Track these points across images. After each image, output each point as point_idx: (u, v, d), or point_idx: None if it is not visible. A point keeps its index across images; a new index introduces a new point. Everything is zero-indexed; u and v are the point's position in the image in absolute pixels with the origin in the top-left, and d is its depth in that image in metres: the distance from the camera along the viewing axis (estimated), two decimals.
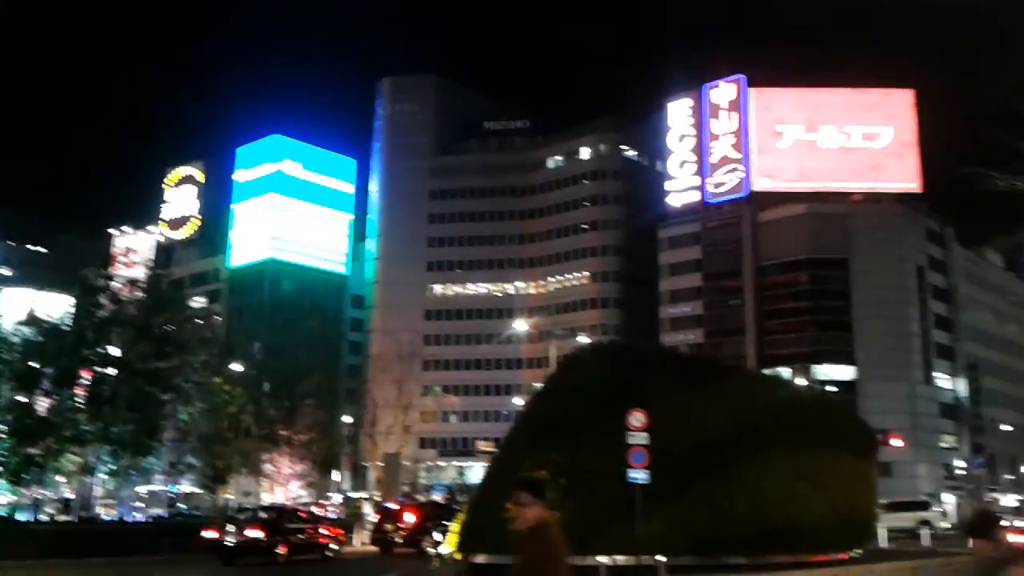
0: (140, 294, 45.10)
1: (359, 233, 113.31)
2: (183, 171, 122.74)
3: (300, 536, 27.32)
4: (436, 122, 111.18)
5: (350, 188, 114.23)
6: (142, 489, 54.73)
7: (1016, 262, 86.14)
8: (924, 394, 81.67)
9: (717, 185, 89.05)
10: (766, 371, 61.53)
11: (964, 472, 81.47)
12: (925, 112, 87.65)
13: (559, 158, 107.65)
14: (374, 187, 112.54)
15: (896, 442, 58.02)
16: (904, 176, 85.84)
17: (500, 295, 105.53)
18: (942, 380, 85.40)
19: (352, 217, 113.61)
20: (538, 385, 28.77)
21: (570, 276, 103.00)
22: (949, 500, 77.06)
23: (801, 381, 58.08)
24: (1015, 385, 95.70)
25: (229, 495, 60.59)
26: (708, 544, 20.41)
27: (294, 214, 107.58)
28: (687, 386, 22.77)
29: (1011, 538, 24.20)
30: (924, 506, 42.00)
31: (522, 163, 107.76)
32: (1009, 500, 79.45)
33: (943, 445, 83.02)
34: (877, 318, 78.72)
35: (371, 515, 42.53)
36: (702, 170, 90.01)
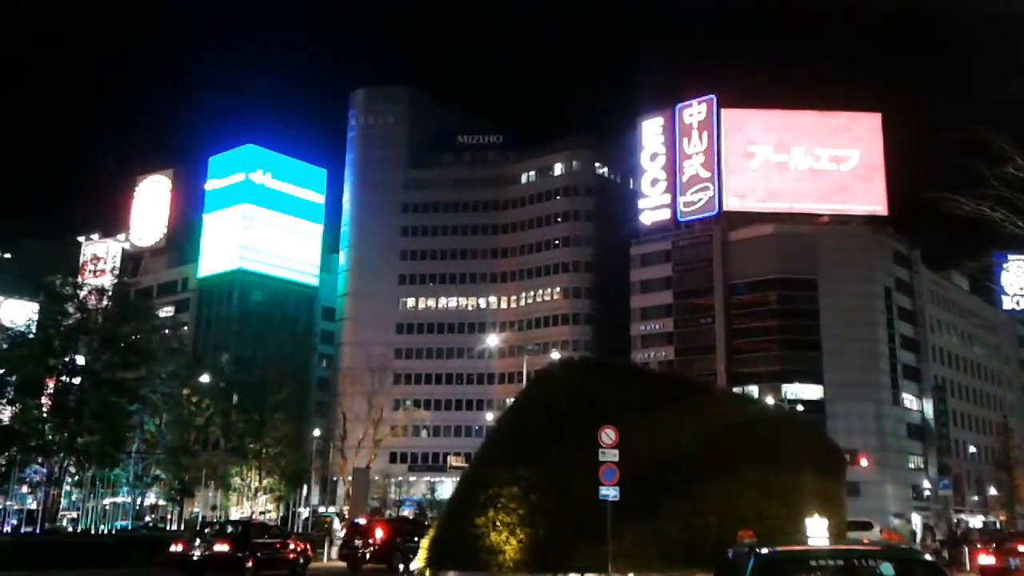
0: (107, 303, 44.51)
1: (330, 245, 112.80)
2: (153, 179, 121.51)
3: (268, 550, 27.03)
4: (409, 135, 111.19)
5: (321, 199, 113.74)
6: (107, 501, 53.94)
7: (981, 285, 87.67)
8: (891, 415, 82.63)
9: (688, 204, 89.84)
10: (735, 389, 62.00)
11: (931, 493, 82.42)
12: (892, 136, 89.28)
13: (532, 174, 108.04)
14: (346, 198, 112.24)
15: (863, 462, 58.61)
16: (871, 199, 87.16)
17: (472, 309, 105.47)
18: (909, 401, 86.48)
19: (323, 228, 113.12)
20: (510, 400, 28.77)
21: (542, 291, 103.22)
22: (916, 520, 77.95)
23: (770, 400, 58.51)
24: (981, 407, 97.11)
25: (196, 508, 59.89)
26: (678, 561, 20.53)
27: (265, 224, 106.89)
28: (657, 403, 22.89)
29: (982, 559, 24.52)
30: (867, 526, 42.68)
31: (495, 178, 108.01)
32: (976, 521, 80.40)
33: (910, 466, 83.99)
34: (845, 338, 79.62)
35: (340, 530, 42.23)
36: (673, 189, 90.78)
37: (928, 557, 7.79)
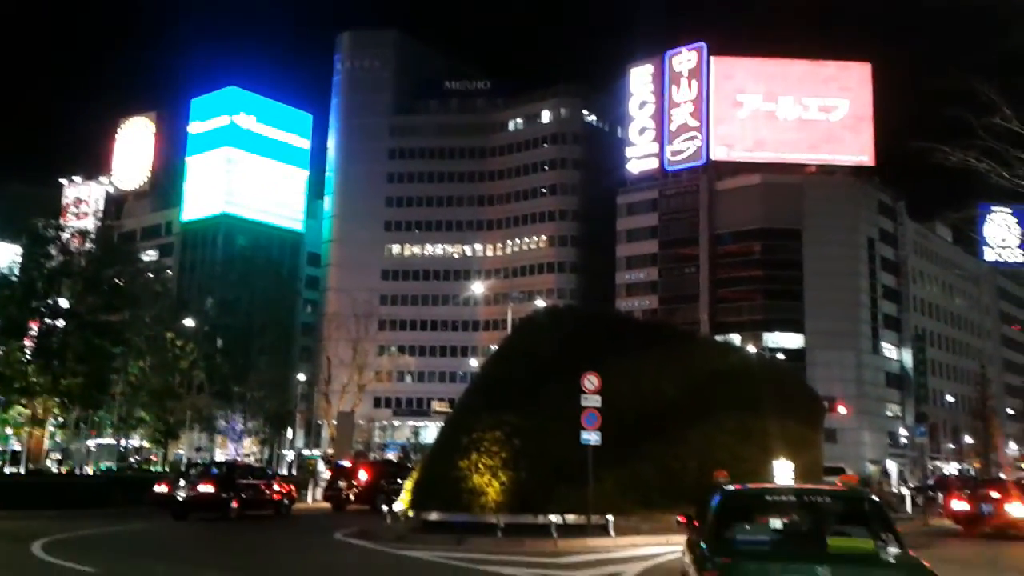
0: (90, 246, 44.23)
1: (316, 190, 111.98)
2: (136, 121, 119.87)
3: (252, 491, 27.31)
4: (396, 80, 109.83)
5: (306, 144, 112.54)
6: (92, 443, 54.18)
7: (964, 236, 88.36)
8: (871, 363, 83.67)
9: (675, 153, 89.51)
10: (718, 337, 62.49)
11: (907, 440, 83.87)
12: (882, 86, 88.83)
13: (520, 121, 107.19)
14: (332, 144, 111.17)
15: (842, 409, 59.50)
16: (858, 149, 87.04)
17: (458, 257, 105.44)
18: (889, 350, 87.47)
19: (308, 173, 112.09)
20: (494, 347, 28.94)
21: (528, 239, 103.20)
22: (892, 467, 79.44)
23: (752, 348, 59.09)
24: (959, 357, 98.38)
25: (181, 450, 60.33)
26: (656, 503, 20.93)
27: (249, 168, 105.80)
28: (640, 351, 23.14)
29: (955, 504, 24.90)
30: (840, 471, 43.38)
31: (482, 124, 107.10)
32: (951, 469, 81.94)
33: (888, 413, 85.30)
34: (827, 288, 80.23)
35: (324, 472, 42.71)
36: (661, 137, 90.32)
37: (873, 497, 8.76)
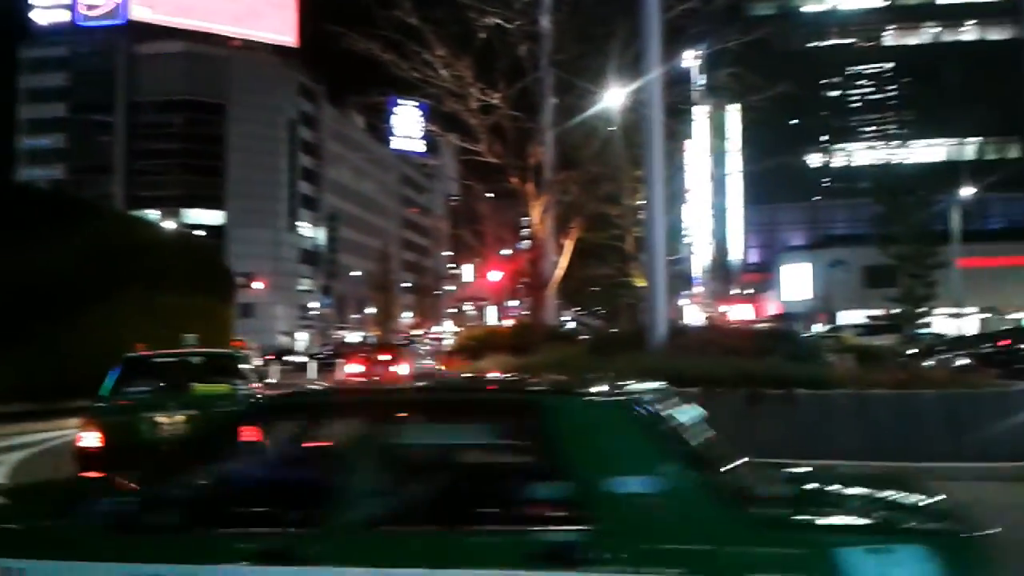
0: None
1: None
2: None
3: None
4: None
5: None
6: None
7: (376, 125, 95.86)
8: (287, 241, 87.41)
9: (90, 7, 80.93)
10: (134, 213, 59.52)
11: (318, 312, 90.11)
12: None
13: None
14: None
15: (258, 285, 61.48)
16: (282, 28, 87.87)
17: None
18: (305, 228, 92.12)
19: None
20: None
21: None
22: (303, 337, 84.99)
23: (171, 225, 57.49)
24: (366, 235, 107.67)
25: None
26: (48, 389, 19.57)
27: None
28: (35, 225, 21.10)
29: (350, 368, 27.44)
30: (241, 343, 45.31)
31: None
32: (355, 336, 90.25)
33: (301, 288, 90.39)
34: (250, 166, 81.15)
35: None
36: None
37: (235, 355, 11.61)
